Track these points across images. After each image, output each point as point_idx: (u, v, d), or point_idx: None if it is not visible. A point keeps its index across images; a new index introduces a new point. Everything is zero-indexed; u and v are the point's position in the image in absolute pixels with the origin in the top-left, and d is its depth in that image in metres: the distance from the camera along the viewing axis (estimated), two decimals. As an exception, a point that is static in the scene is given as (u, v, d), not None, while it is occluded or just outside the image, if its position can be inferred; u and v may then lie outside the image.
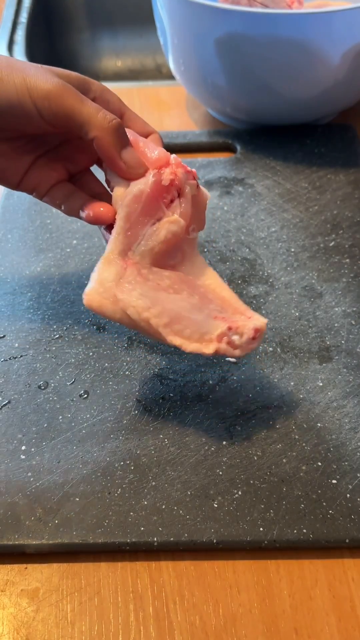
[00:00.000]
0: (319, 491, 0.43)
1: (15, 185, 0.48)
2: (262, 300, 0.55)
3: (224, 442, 0.46)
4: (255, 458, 0.45)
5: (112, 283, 0.43)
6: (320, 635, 0.38)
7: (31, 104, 0.43)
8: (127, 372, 0.51)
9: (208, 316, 0.43)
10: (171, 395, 0.49)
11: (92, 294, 0.43)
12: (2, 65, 0.43)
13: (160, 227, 0.44)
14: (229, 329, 0.42)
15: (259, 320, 0.43)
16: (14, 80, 0.43)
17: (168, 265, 0.45)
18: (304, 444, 0.46)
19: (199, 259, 0.46)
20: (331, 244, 0.60)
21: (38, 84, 0.43)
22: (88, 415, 0.48)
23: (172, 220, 0.44)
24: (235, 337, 0.42)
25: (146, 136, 0.48)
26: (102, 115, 0.43)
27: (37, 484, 0.44)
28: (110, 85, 0.47)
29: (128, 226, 0.44)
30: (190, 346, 0.43)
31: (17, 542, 0.41)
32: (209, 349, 0.43)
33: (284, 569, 0.41)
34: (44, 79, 0.43)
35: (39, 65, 0.45)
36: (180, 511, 0.42)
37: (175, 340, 0.43)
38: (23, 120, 0.44)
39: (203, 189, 0.46)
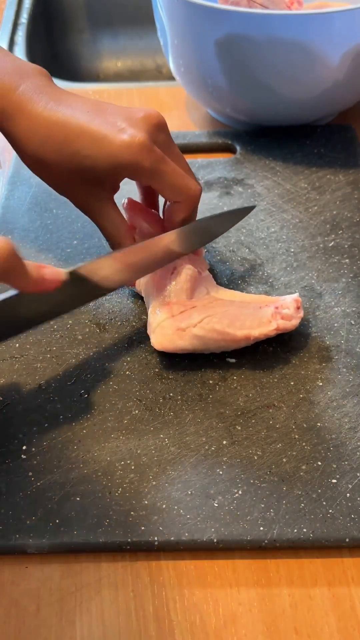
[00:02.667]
0: (319, 491, 0.43)
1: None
2: (262, 300, 0.56)
3: (224, 442, 0.46)
4: (255, 458, 0.45)
5: (169, 321, 0.50)
6: (320, 635, 0.38)
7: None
8: (127, 372, 0.51)
9: (255, 308, 0.50)
10: (171, 395, 0.49)
11: (159, 339, 0.50)
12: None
13: (179, 271, 0.52)
14: (276, 307, 0.50)
15: (291, 296, 0.51)
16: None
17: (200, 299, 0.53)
18: (303, 444, 0.46)
19: (221, 289, 0.54)
20: (330, 244, 0.60)
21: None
22: (88, 415, 0.48)
23: (186, 267, 0.52)
24: (285, 311, 0.50)
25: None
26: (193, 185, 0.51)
27: (38, 484, 0.44)
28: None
29: (155, 284, 0.52)
30: (255, 332, 0.49)
31: (17, 542, 0.41)
32: (271, 328, 0.49)
33: (283, 569, 0.41)
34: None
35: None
36: (181, 510, 0.42)
37: (242, 332, 0.49)
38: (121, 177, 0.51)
39: None
